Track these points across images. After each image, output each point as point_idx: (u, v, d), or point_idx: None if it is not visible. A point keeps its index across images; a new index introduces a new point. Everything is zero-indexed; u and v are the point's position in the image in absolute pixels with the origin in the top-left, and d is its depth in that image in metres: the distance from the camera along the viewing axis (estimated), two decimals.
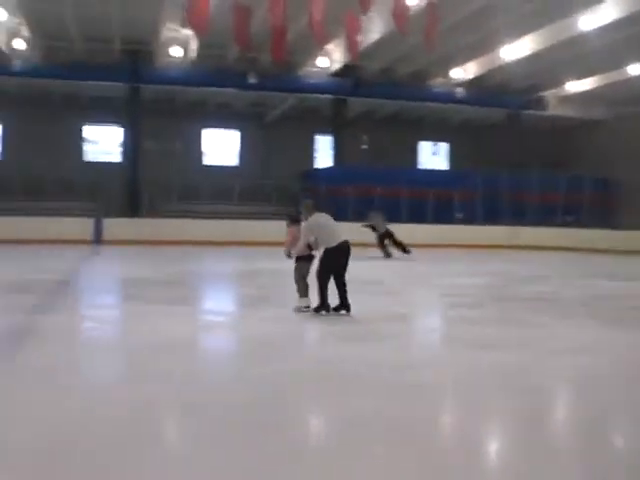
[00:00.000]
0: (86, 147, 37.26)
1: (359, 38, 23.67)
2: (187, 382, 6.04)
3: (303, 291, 10.11)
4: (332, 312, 9.89)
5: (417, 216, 31.08)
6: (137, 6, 24.19)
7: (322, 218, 10.02)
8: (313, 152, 39.72)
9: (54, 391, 5.64)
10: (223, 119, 37.59)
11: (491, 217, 32.89)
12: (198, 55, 29.37)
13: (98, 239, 27.97)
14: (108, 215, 28.53)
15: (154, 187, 32.39)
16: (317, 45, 25.56)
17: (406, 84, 33.46)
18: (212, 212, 30.94)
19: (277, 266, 14.45)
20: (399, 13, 21.11)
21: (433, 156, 42.75)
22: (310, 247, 10.03)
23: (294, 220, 10.49)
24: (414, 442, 4.58)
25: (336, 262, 9.84)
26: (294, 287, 10.12)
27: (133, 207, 31.86)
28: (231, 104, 35.87)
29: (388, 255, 23.03)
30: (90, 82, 31.34)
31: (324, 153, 38.24)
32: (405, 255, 22.71)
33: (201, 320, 10.14)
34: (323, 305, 9.90)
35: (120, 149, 36.03)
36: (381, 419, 5.04)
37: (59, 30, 26.52)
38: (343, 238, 9.87)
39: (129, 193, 32.38)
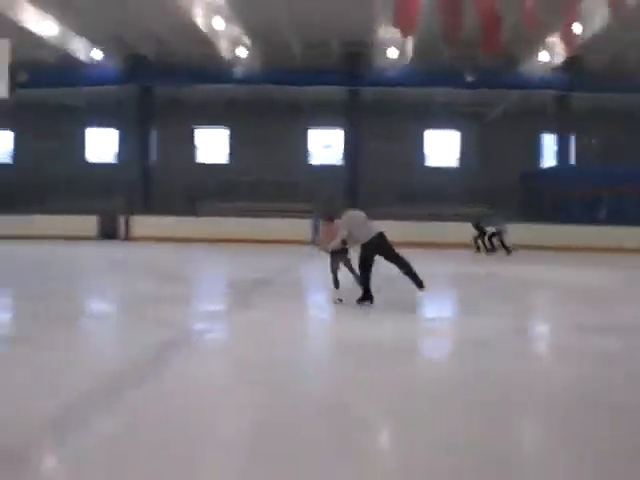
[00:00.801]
0: (310, 150, 38.27)
1: (577, 28, 22.23)
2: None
3: (336, 283, 10.89)
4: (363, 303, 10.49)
5: None
6: (352, 9, 24.28)
7: (357, 215, 10.80)
8: (536, 151, 38.06)
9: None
10: (442, 119, 36.95)
11: None
12: (414, 55, 29.07)
13: (315, 240, 28.46)
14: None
15: (373, 189, 32.54)
16: (529, 33, 24.30)
17: (638, 75, 31.01)
18: (430, 214, 30.43)
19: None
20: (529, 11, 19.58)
21: None
22: (344, 242, 10.66)
23: (329, 218, 11.27)
24: None
25: (372, 254, 10.45)
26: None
27: (351, 209, 32.03)
28: (450, 104, 35.16)
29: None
30: (310, 87, 32.02)
31: (548, 152, 36.54)
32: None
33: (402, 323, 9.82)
34: (366, 296, 10.56)
35: (341, 151, 36.59)
36: None
37: (278, 36, 27.29)
38: (375, 232, 10.47)
39: (348, 195, 32.71)
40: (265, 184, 32.28)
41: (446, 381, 6.37)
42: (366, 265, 10.46)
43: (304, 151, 38.06)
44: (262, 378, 6.18)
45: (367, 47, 29.36)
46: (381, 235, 10.52)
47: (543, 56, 29.29)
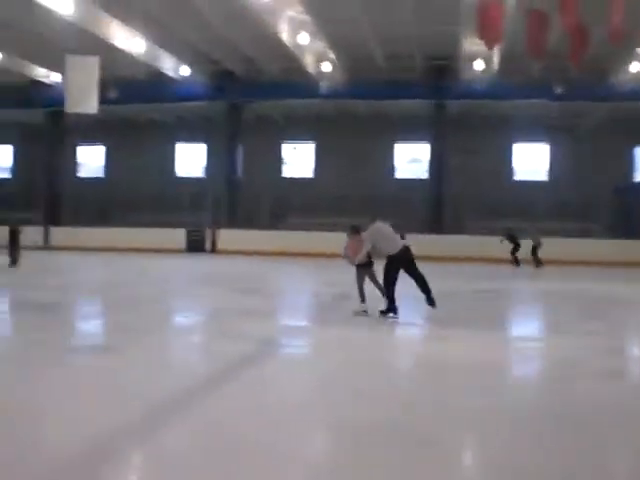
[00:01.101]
0: (396, 164, 38.05)
1: None
2: None
3: (362, 296, 10.91)
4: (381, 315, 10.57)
5: None
6: (436, 22, 24.03)
7: (383, 227, 10.86)
8: (629, 164, 36.84)
9: None
10: (531, 132, 36.16)
11: None
12: (500, 67, 28.58)
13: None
14: (410, 230, 28.79)
15: (459, 203, 32.15)
16: (615, 47, 23.59)
17: None
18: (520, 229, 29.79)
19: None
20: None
21: None
22: (369, 255, 10.83)
23: (355, 230, 11.16)
24: None
25: (397, 267, 10.59)
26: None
27: (436, 223, 31.79)
28: (539, 116, 34.38)
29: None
30: (396, 100, 31.84)
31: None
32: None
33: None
34: (391, 308, 10.59)
35: (426, 165, 36.21)
36: None
37: (362, 50, 27.25)
38: (401, 245, 10.62)
39: (432, 209, 32.36)
40: (350, 198, 32.19)
41: (546, 408, 6.11)
42: (390, 278, 10.59)
43: (389, 165, 37.85)
44: (344, 396, 6.05)
45: (452, 59, 29.01)
46: (407, 249, 10.69)
47: (634, 67, 28.38)
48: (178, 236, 30.51)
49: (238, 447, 4.57)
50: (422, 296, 10.81)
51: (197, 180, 38.96)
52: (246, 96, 32.19)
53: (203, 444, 4.68)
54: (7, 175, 44.44)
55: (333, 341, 8.97)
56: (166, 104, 33.68)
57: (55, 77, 30.92)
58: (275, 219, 33.53)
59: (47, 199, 35.09)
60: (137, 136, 39.59)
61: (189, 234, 30.74)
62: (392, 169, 37.95)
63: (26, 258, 20.80)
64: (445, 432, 5.06)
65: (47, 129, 35.94)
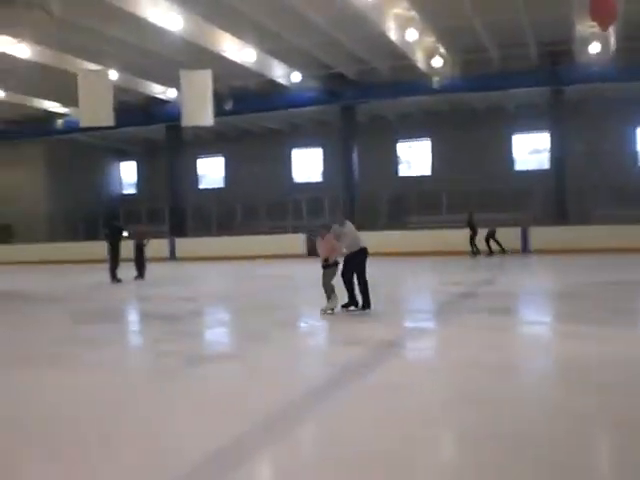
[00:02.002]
0: (516, 156, 37.10)
1: None
2: None
3: (330, 295, 11.10)
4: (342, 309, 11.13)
5: None
6: (547, 6, 23.26)
7: (347, 226, 11.34)
8: None
9: None
10: None
11: None
12: (618, 48, 27.35)
13: (526, 248, 27.84)
14: (535, 223, 28.32)
15: (582, 192, 31.06)
16: None
17: None
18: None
19: None
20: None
21: None
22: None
23: (328, 229, 11.47)
24: None
25: (356, 263, 11.15)
26: None
27: (560, 214, 30.79)
28: None
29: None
30: (511, 90, 31.04)
31: None
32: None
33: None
34: (352, 301, 11.21)
35: (547, 155, 35.14)
36: None
37: (472, 42, 26.69)
38: (363, 245, 11.26)
39: (556, 200, 31.34)
40: (469, 194, 31.58)
41: None
42: (351, 272, 11.13)
43: (509, 158, 36.95)
44: (473, 403, 5.81)
45: (567, 44, 27.94)
46: (366, 250, 11.33)
47: None
48: (298, 241, 30.77)
49: (365, 455, 4.45)
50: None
51: (314, 184, 39.25)
52: (358, 97, 32.12)
53: (330, 452, 4.60)
54: (132, 190, 46.22)
55: (456, 342, 8.71)
56: (280, 111, 34.02)
57: (171, 93, 31.77)
58: (393, 219, 33.32)
59: (171, 212, 36.11)
60: (254, 145, 40.34)
61: (309, 239, 30.96)
62: (512, 161, 37.03)
63: (152, 270, 21.44)
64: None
65: (168, 144, 37.02)
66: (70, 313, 13.32)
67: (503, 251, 26.72)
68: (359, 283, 11.23)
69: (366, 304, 11.22)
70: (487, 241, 26.77)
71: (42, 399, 6.32)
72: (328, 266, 11.15)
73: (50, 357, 8.44)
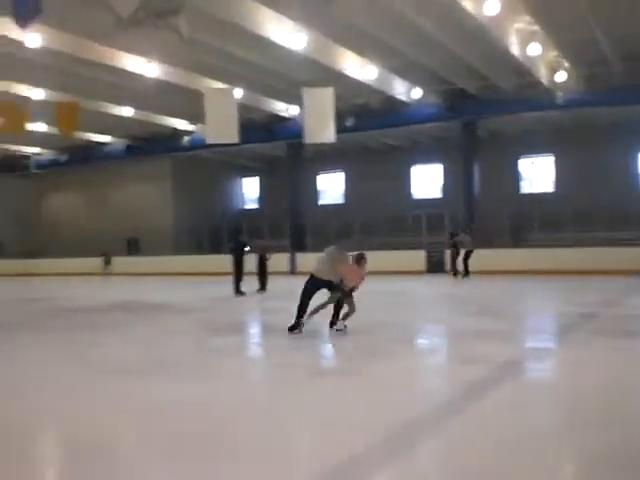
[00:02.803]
0: None
1: None
2: None
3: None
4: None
5: None
6: None
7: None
8: None
9: None
10: None
11: None
12: None
13: None
14: None
15: None
16: None
17: None
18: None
19: None
20: None
21: None
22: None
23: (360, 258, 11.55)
24: None
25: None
26: None
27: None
28: None
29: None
30: (636, 105, 29.98)
31: None
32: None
33: None
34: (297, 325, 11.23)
35: None
36: None
37: (596, 55, 25.93)
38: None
39: None
40: (594, 212, 30.72)
41: None
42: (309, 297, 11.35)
43: (635, 175, 35.67)
44: (597, 426, 5.74)
45: None
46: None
47: None
48: (418, 257, 30.69)
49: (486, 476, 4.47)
50: None
51: (434, 200, 39.08)
52: (479, 113, 31.76)
53: (451, 469, 4.64)
54: (255, 205, 47.27)
55: (578, 364, 8.55)
56: (400, 128, 34.04)
57: (293, 110, 32.33)
58: (515, 237, 32.73)
59: (292, 227, 36.66)
60: (374, 161, 40.57)
61: (429, 255, 30.82)
62: (637, 179, 35.72)
63: (274, 283, 21.88)
64: None
65: (289, 160, 37.67)
66: (199, 324, 13.79)
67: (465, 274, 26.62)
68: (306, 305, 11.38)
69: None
70: (465, 261, 26.72)
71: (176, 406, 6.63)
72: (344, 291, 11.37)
73: (182, 366, 8.82)
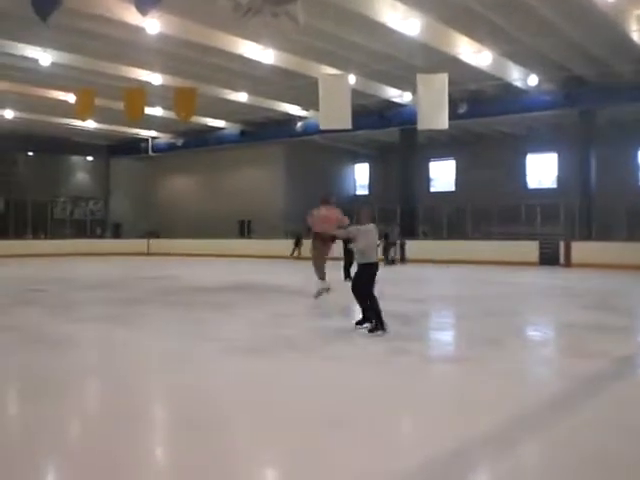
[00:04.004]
0: None
1: None
2: None
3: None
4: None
5: None
6: None
7: (367, 230, 10.15)
8: None
9: None
10: None
11: None
12: None
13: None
14: None
15: None
16: None
17: None
18: None
19: None
20: None
21: None
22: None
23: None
24: None
25: (367, 278, 10.12)
26: None
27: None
28: None
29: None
30: None
31: None
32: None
33: None
34: (364, 319, 10.10)
35: None
36: None
37: None
38: (374, 259, 10.20)
39: None
40: None
41: None
42: (361, 287, 10.21)
43: None
44: None
45: None
46: (376, 265, 10.30)
47: None
48: (531, 249, 30.03)
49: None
50: None
51: (549, 190, 38.21)
52: (598, 102, 30.71)
53: (560, 461, 4.58)
54: (365, 192, 47.38)
55: None
56: (515, 115, 33.34)
57: (407, 96, 32.15)
58: (633, 230, 31.62)
59: (402, 214, 36.47)
60: (487, 149, 39.98)
61: (542, 246, 30.09)
62: None
63: (382, 270, 21.81)
64: None
65: (401, 146, 37.43)
66: (310, 307, 13.95)
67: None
68: (366, 300, 10.11)
69: (379, 324, 9.79)
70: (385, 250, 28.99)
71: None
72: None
73: (297, 349, 9.02)
